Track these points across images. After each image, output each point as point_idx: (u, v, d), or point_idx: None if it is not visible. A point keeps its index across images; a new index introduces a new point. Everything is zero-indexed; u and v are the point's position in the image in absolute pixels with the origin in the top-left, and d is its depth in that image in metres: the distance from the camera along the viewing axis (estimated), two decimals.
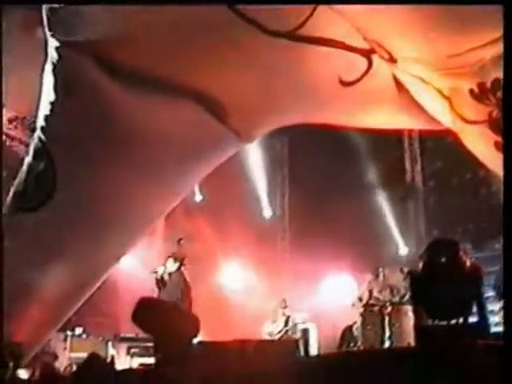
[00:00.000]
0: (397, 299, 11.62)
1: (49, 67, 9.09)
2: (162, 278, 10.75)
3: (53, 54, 8.86)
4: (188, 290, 10.78)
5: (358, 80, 9.54)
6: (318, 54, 8.93)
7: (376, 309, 11.69)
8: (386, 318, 11.40)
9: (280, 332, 12.06)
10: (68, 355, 11.13)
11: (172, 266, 10.80)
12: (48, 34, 8.70)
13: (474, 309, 5.68)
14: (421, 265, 6.01)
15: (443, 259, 5.74)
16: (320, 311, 12.61)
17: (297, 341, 10.87)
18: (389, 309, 11.52)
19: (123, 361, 11.27)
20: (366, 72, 9.38)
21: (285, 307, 12.35)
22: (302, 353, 10.65)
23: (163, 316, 6.95)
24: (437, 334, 5.51)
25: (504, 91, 6.23)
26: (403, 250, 14.73)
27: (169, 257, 10.89)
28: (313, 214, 13.80)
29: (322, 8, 8.18)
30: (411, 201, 14.99)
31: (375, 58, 9.10)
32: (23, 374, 9.63)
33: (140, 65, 8.75)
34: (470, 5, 6.89)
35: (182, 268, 10.83)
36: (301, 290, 13.19)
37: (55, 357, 10.90)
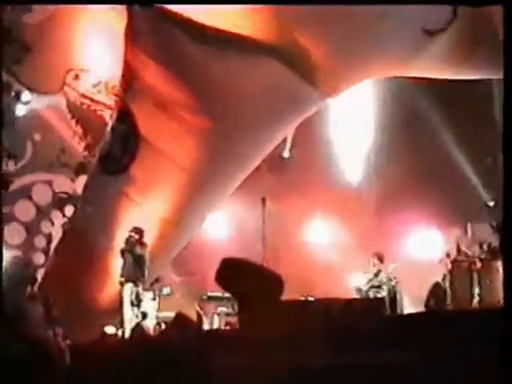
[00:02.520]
0: (486, 255, 11.25)
1: (130, 31, 9.13)
2: None
3: (137, 21, 8.87)
4: None
5: (443, 29, 9.25)
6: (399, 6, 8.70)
7: (465, 265, 11.36)
8: (475, 275, 11.06)
9: (369, 283, 11.87)
10: (156, 314, 11.32)
11: None
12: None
13: None
14: None
15: None
16: (407, 267, 12.37)
17: (383, 299, 10.75)
18: (478, 265, 11.17)
19: (210, 320, 11.40)
20: (451, 21, 9.09)
21: (379, 260, 12.15)
22: (389, 310, 10.53)
23: (246, 276, 6.95)
24: None
25: (504, 91, 5.96)
26: (491, 203, 14.26)
27: None
28: (399, 171, 13.50)
29: None
30: (498, 152, 14.41)
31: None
32: (111, 329, 9.90)
33: (218, 25, 8.69)
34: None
35: None
36: (387, 246, 12.97)
37: (144, 316, 11.11)
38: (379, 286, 11.70)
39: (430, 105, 13.07)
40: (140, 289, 10.27)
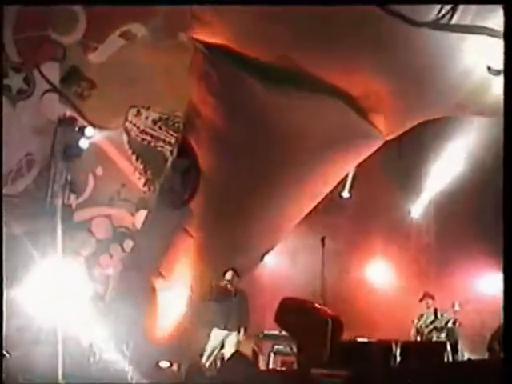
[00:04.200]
0: None
1: (193, 69, 9.23)
2: None
3: (196, 56, 8.97)
4: None
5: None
6: (465, 43, 8.61)
7: None
8: None
9: (430, 325, 11.63)
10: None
11: None
12: (191, 36, 8.82)
13: None
14: None
15: None
16: (468, 310, 12.07)
17: (444, 342, 10.48)
18: None
19: (266, 358, 11.30)
20: None
21: (430, 298, 11.93)
22: (450, 354, 10.27)
23: (305, 317, 6.90)
24: None
25: (504, 91, 5.80)
26: None
27: None
28: (459, 211, 13.28)
29: None
30: None
31: None
32: (164, 364, 9.90)
33: (280, 62, 8.71)
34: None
35: None
36: (448, 287, 12.71)
37: (201, 353, 11.07)
38: (441, 329, 11.44)
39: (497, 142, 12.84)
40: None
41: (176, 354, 10.29)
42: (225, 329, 10.34)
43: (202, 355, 10.57)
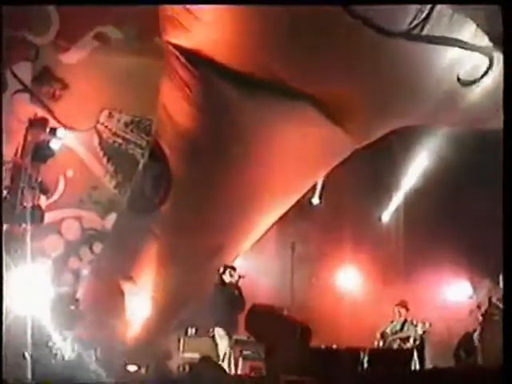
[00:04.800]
0: None
1: (166, 73, 9.20)
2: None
3: (170, 60, 8.95)
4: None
5: (479, 79, 9.26)
6: (437, 53, 8.72)
7: (496, 318, 11.16)
8: None
9: (394, 334, 11.74)
10: (181, 355, 11.27)
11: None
12: (166, 40, 8.79)
13: None
14: None
15: None
16: (435, 318, 12.21)
17: (411, 350, 10.59)
18: None
19: (234, 363, 11.32)
20: (487, 71, 9.10)
21: (404, 308, 12.04)
22: (417, 362, 10.38)
23: (274, 323, 6.89)
24: None
25: (504, 91, 5.90)
26: None
27: None
28: (428, 218, 13.43)
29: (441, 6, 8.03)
30: None
31: (496, 56, 8.86)
32: (132, 367, 9.87)
33: (255, 69, 8.73)
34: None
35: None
36: (415, 295, 12.85)
37: (169, 356, 11.07)
38: (407, 338, 11.54)
39: (464, 151, 13.02)
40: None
41: (144, 358, 10.25)
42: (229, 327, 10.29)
43: (217, 358, 10.63)
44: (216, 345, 10.78)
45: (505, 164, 5.57)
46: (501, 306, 11.34)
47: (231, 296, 10.47)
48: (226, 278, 10.55)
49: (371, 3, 7.77)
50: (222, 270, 10.62)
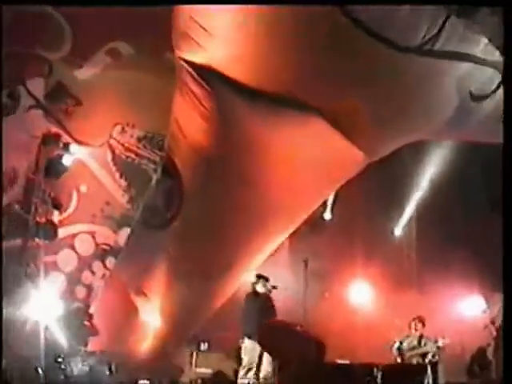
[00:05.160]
0: None
1: (178, 88, 9.24)
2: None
3: (182, 76, 8.99)
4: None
5: (491, 93, 9.26)
6: (448, 68, 8.74)
7: None
8: None
9: (412, 350, 11.63)
10: (193, 370, 11.26)
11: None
12: (178, 56, 8.83)
13: None
14: None
15: None
16: (449, 333, 12.12)
17: (425, 366, 10.51)
18: None
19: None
20: (499, 86, 9.10)
21: (421, 323, 11.92)
22: (430, 377, 10.30)
23: (287, 339, 6.93)
24: None
25: (504, 91, 5.90)
26: None
27: None
28: (440, 232, 13.40)
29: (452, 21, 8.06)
30: None
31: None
32: (144, 382, 9.87)
33: (267, 84, 8.76)
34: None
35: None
36: (429, 309, 12.77)
37: (181, 371, 11.06)
38: (425, 354, 11.44)
39: (479, 166, 13.01)
40: None
41: (157, 373, 10.25)
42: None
43: (236, 372, 10.52)
44: (238, 358, 10.62)
45: (505, 164, 5.57)
46: None
47: (263, 306, 10.31)
48: (259, 288, 10.45)
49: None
50: (254, 279, 10.52)
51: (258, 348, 9.94)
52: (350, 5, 7.72)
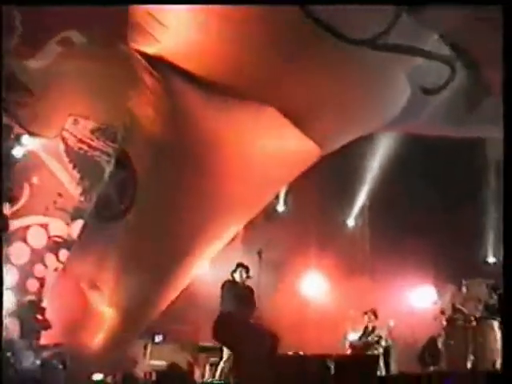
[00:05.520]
0: (482, 313, 11.13)
1: (132, 79, 9.19)
2: None
3: (136, 66, 8.94)
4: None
5: (442, 88, 9.39)
6: (399, 62, 8.84)
7: (459, 323, 11.26)
8: (470, 333, 10.93)
9: (365, 339, 11.75)
10: (148, 362, 11.24)
11: None
12: (131, 47, 8.78)
13: None
14: None
15: None
16: (400, 323, 12.30)
17: (377, 356, 10.66)
18: (473, 323, 11.05)
19: (201, 370, 11.30)
20: (449, 80, 9.25)
21: (373, 316, 12.05)
22: (383, 368, 10.46)
23: (242, 331, 6.97)
24: None
25: (504, 91, 6.03)
26: (491, 260, 14.26)
27: None
28: (394, 224, 13.56)
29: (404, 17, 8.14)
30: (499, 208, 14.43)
31: (458, 65, 9.02)
32: (97, 376, 9.81)
33: (220, 75, 8.76)
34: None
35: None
36: (381, 301, 12.94)
37: (135, 363, 11.03)
38: (377, 342, 11.60)
39: (429, 159, 13.19)
40: None
41: (111, 366, 10.20)
42: None
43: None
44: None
45: (505, 164, 5.63)
46: (464, 310, 11.48)
47: (242, 294, 10.21)
48: (237, 276, 10.38)
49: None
50: (234, 268, 10.43)
51: None
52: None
